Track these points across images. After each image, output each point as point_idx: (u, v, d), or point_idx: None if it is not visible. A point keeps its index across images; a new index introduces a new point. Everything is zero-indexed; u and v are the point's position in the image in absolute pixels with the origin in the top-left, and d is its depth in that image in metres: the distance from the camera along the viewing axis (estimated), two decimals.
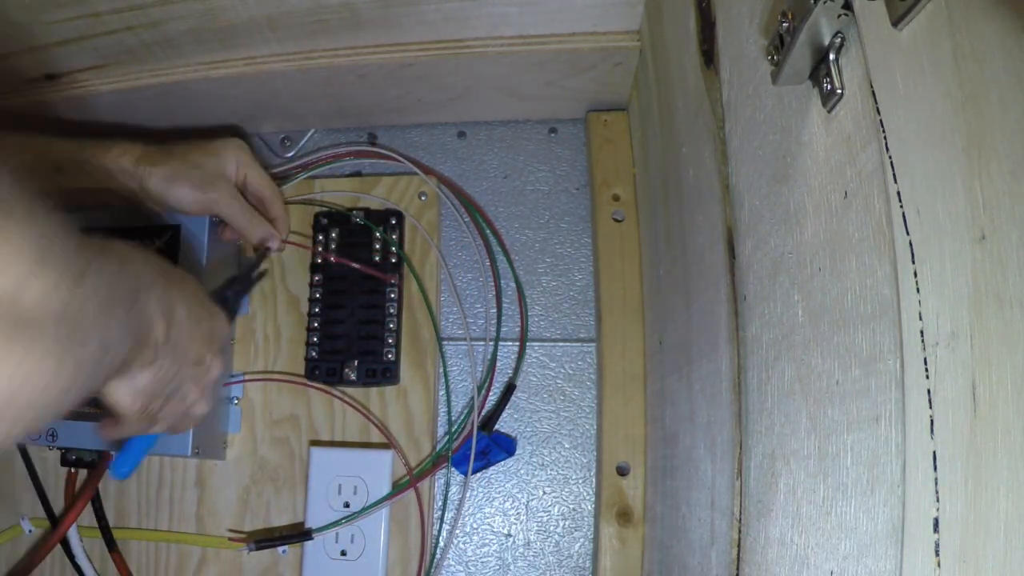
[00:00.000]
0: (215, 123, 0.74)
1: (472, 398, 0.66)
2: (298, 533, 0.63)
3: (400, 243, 0.68)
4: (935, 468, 0.21)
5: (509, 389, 0.66)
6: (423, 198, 0.69)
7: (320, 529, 0.63)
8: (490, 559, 0.65)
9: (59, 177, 0.56)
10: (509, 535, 0.65)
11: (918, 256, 0.22)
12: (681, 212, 0.49)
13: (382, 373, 0.65)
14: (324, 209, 0.69)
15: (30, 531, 0.68)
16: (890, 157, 0.24)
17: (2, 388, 0.27)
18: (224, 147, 0.61)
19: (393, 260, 0.67)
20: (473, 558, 0.65)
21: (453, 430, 0.65)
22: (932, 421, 0.21)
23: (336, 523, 0.62)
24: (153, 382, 0.42)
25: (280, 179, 0.71)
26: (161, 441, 0.59)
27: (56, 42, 0.60)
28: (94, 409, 0.61)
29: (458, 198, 0.70)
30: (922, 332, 0.22)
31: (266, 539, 0.63)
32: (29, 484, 0.68)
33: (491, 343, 0.67)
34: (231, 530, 0.66)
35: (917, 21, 0.23)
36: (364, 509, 0.62)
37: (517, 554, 0.65)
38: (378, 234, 0.67)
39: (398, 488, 0.63)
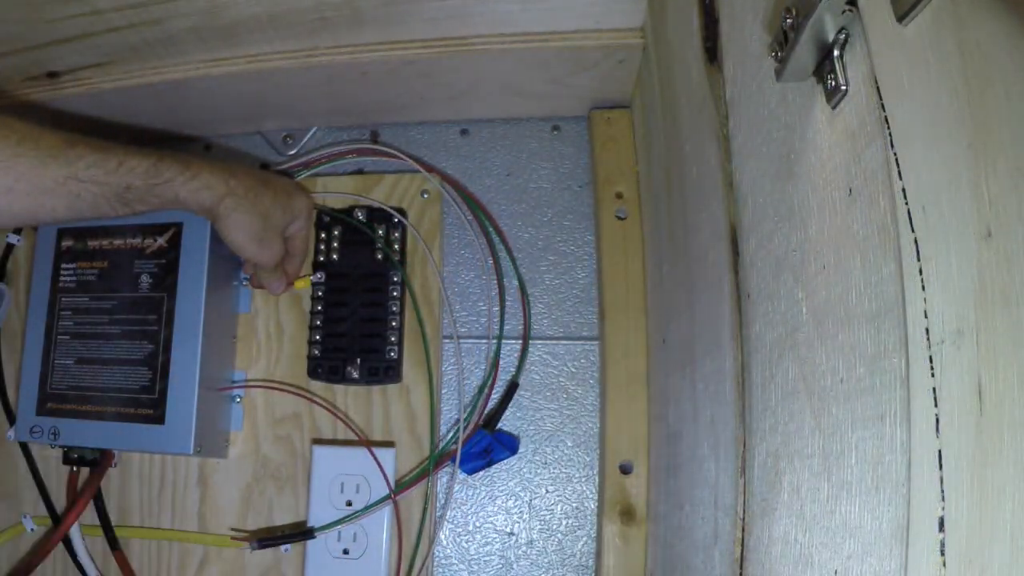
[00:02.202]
0: (217, 121, 0.74)
1: (475, 396, 0.66)
2: (300, 532, 0.63)
3: (402, 241, 0.68)
4: (940, 467, 0.21)
5: (512, 387, 0.66)
6: (425, 196, 0.69)
7: (323, 528, 0.63)
8: (492, 558, 0.65)
9: (126, 194, 0.52)
10: (512, 534, 0.65)
11: (923, 253, 0.22)
12: (684, 210, 0.49)
13: (384, 371, 0.65)
14: (326, 207, 0.69)
15: (32, 529, 0.68)
16: (895, 153, 0.24)
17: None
18: (300, 208, 0.63)
19: (395, 258, 0.67)
20: (476, 557, 0.65)
21: (456, 428, 0.65)
22: (938, 419, 0.21)
23: (339, 522, 0.62)
24: (249, 218, 0.58)
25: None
26: (162, 440, 0.60)
27: (58, 40, 0.60)
28: (96, 408, 0.61)
29: (461, 196, 0.70)
30: (927, 330, 0.22)
31: (268, 538, 0.63)
32: (31, 482, 0.68)
33: (494, 341, 0.67)
34: (233, 529, 0.66)
35: (922, 17, 0.22)
36: (367, 507, 0.62)
37: (520, 553, 0.65)
38: (380, 232, 0.67)
39: (400, 486, 0.63)
